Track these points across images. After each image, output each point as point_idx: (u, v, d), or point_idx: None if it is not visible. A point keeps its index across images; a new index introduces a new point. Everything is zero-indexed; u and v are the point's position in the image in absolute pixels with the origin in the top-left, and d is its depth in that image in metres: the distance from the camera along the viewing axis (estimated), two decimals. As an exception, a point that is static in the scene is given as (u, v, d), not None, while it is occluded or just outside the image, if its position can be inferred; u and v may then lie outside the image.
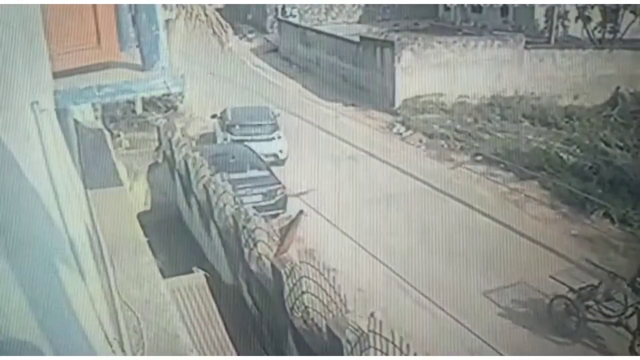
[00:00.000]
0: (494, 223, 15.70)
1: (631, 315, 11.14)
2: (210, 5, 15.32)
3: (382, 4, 37.41)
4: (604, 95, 23.17)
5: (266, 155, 18.50)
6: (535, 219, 16.09)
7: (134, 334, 6.11)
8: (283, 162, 19.58)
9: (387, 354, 7.52)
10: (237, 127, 20.00)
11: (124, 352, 5.73)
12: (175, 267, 10.17)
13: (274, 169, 17.66)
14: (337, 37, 30.01)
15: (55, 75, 5.72)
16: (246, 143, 18.70)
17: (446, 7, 35.14)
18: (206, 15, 14.42)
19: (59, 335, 3.58)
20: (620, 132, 20.65)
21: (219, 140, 20.27)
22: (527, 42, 26.00)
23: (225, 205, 12.49)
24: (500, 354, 11.10)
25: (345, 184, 17.80)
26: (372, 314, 7.89)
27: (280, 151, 19.73)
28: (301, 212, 13.82)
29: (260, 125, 20.18)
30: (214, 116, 21.16)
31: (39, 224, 4.07)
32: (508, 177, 18.54)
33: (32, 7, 4.88)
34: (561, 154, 18.99)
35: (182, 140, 15.71)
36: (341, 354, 7.99)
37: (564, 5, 26.93)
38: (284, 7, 37.44)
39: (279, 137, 20.02)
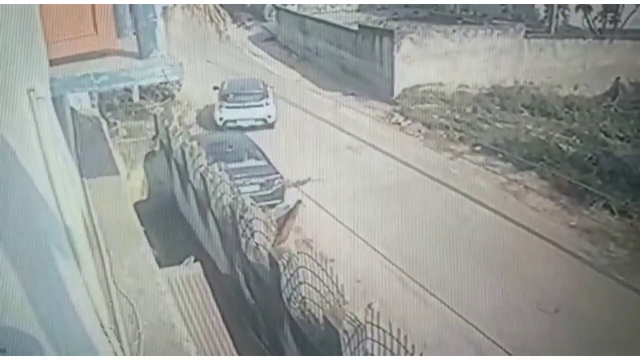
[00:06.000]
0: (493, 214, 15.64)
1: None
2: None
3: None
4: (604, 85, 23.00)
5: (256, 120, 21.68)
6: (534, 210, 16.00)
7: (130, 324, 6.09)
8: (272, 125, 21.83)
9: (384, 346, 7.52)
10: (231, 95, 22.21)
11: (120, 342, 5.71)
12: (172, 257, 10.13)
13: (265, 136, 19.04)
14: (335, 26, 29.79)
15: (52, 62, 5.66)
16: (238, 119, 21.47)
17: (446, -5, 34.90)
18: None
19: (55, 324, 3.57)
20: (620, 122, 20.48)
21: (216, 109, 22.11)
22: (527, 32, 25.78)
23: (222, 194, 12.45)
24: (499, 345, 11.07)
25: (344, 174, 17.75)
26: (369, 305, 7.89)
27: (269, 116, 22.02)
28: (299, 202, 13.86)
29: (251, 93, 22.40)
30: (215, 88, 22.97)
31: (34, 211, 4.06)
32: (507, 168, 18.45)
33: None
34: (561, 145, 18.86)
35: (179, 129, 15.68)
36: (338, 345, 7.98)
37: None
38: (282, -6, 37.22)
39: (267, 104, 22.21)
